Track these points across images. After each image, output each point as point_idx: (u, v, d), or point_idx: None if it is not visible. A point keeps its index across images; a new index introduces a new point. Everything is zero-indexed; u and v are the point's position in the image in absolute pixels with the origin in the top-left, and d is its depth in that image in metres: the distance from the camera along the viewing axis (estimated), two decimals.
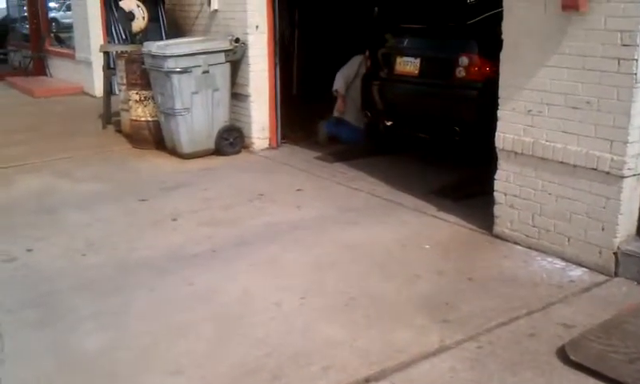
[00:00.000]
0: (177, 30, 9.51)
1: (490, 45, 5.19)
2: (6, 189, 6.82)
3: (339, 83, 8.47)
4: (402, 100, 7.52)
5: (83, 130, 9.58)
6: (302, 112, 8.98)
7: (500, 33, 5.02)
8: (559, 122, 4.70)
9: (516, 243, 5.07)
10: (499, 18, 5.05)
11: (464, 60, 6.61)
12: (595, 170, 4.49)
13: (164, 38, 9.27)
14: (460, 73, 6.65)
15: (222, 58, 7.81)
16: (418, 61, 7.13)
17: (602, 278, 4.47)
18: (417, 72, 7.15)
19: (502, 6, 5.03)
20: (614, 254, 4.46)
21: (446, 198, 6.15)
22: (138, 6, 8.84)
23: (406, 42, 7.44)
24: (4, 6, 19.49)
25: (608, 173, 4.42)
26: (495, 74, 5.16)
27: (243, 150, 8.14)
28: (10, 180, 7.10)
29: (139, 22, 8.85)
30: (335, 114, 8.55)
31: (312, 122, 8.74)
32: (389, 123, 7.66)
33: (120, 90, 8.86)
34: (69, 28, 14.97)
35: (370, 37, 8.12)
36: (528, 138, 4.91)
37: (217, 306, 4.24)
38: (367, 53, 7.95)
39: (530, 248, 4.96)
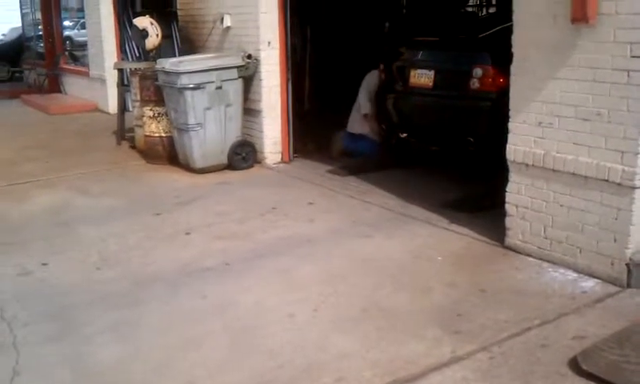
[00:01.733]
0: (190, 46, 9.60)
1: (504, 56, 5.22)
2: (22, 204, 6.90)
3: (366, 107, 8.45)
4: (417, 112, 7.57)
5: (98, 146, 9.68)
6: (314, 126, 9.02)
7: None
8: (570, 134, 4.71)
9: (528, 255, 5.07)
10: (511, 30, 5.08)
11: (478, 71, 6.66)
12: (606, 181, 4.50)
13: (177, 54, 9.35)
14: (474, 84, 6.70)
15: (234, 73, 7.88)
16: (432, 73, 7.19)
17: (614, 288, 4.46)
18: (431, 84, 7.20)
19: (512, 20, 5.07)
20: (627, 264, 4.46)
21: (458, 210, 6.16)
22: (152, 24, 8.94)
23: (420, 55, 7.51)
24: (19, 24, 19.74)
25: (619, 184, 4.42)
26: (509, 85, 5.19)
27: (256, 165, 8.19)
28: (26, 195, 7.19)
29: (153, 40, 8.94)
30: (365, 132, 8.51)
31: (324, 137, 8.78)
32: (403, 135, 7.70)
33: (134, 107, 8.94)
34: (83, 46, 15.14)
35: (381, 51, 8.18)
36: (539, 149, 4.92)
37: (230, 318, 4.27)
38: (382, 66, 8.00)
39: (541, 259, 4.96)
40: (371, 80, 8.47)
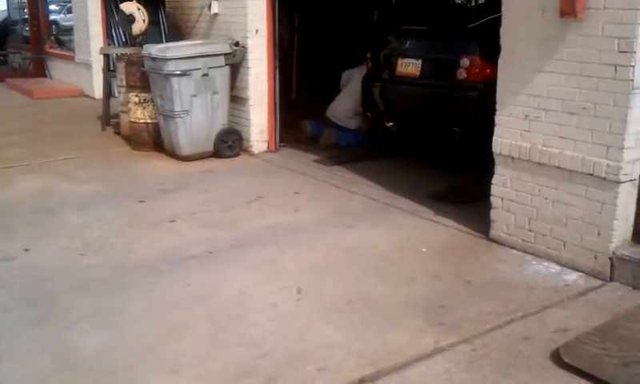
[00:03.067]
0: (177, 33, 9.53)
1: (491, 47, 5.23)
2: (5, 189, 6.83)
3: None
4: (404, 101, 7.57)
5: (82, 132, 9.60)
6: (301, 116, 9.00)
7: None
8: (556, 128, 4.72)
9: (512, 247, 5.09)
10: (500, 21, 5.08)
11: (465, 61, 6.67)
12: (591, 175, 4.52)
13: (164, 40, 9.28)
14: (461, 74, 6.71)
15: (221, 61, 7.84)
16: (419, 62, 7.19)
17: (597, 282, 4.49)
18: (418, 73, 7.20)
19: (500, 11, 5.07)
20: (610, 258, 4.49)
21: (443, 201, 6.17)
22: (139, 9, 8.87)
23: (407, 44, 7.50)
24: (4, 8, 19.53)
25: (604, 178, 4.45)
26: (496, 76, 5.20)
27: (242, 153, 8.17)
28: (9, 180, 7.11)
29: (139, 25, 8.87)
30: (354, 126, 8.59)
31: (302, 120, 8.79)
32: (390, 124, 7.70)
33: (119, 93, 8.87)
34: (69, 30, 15.02)
35: (370, 41, 8.16)
36: (525, 143, 4.94)
37: (214, 306, 4.26)
38: (369, 54, 7.99)
39: (525, 252, 4.99)
40: (355, 79, 8.50)
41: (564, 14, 4.51)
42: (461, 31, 7.30)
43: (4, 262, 4.98)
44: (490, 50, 5.41)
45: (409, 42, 7.52)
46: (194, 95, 7.67)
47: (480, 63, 6.56)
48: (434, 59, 7.20)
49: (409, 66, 7.31)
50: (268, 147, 8.36)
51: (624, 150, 4.33)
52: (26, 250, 5.19)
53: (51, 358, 3.68)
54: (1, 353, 3.70)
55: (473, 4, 13.44)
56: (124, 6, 8.98)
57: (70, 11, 15.47)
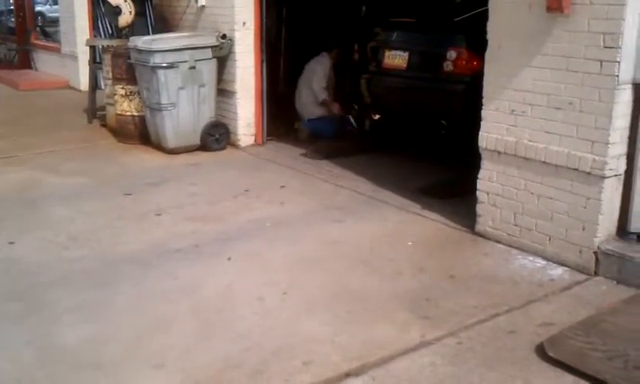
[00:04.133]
0: (164, 25, 9.48)
1: (478, 40, 5.24)
2: None
3: (323, 93, 8.56)
4: (390, 93, 7.57)
5: (68, 124, 9.52)
6: (288, 109, 8.98)
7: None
8: (542, 123, 4.74)
9: (498, 241, 5.11)
10: (487, 15, 5.09)
11: (452, 54, 6.69)
12: (577, 170, 4.54)
13: (151, 33, 9.23)
14: (448, 67, 6.74)
15: (208, 53, 7.81)
16: (406, 54, 7.21)
17: (582, 277, 4.52)
18: (405, 65, 7.22)
19: (487, 5, 5.08)
20: (594, 253, 4.52)
21: (430, 196, 6.18)
22: (125, 1, 8.81)
23: (395, 36, 7.50)
24: None
25: (589, 173, 4.47)
26: (483, 69, 5.20)
27: (229, 146, 8.14)
28: None
29: (126, 17, 8.82)
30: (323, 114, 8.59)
31: (297, 120, 8.77)
32: (376, 117, 7.71)
33: (106, 85, 8.81)
34: (55, 22, 14.90)
35: (357, 35, 8.17)
36: (511, 137, 4.95)
37: (200, 300, 4.25)
38: (356, 46, 8.00)
39: (511, 246, 5.01)
40: (320, 66, 8.57)
41: (550, 9, 4.53)
42: (448, 24, 7.32)
43: None
44: (477, 43, 5.42)
45: (395, 33, 7.53)
46: (180, 88, 7.64)
47: (467, 56, 6.59)
48: (421, 52, 7.22)
49: (396, 59, 7.32)
50: (255, 141, 8.33)
51: (609, 146, 4.36)
52: (11, 243, 5.16)
53: (36, 352, 3.66)
54: None
55: None
56: None
57: (55, 2, 15.36)
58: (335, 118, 8.50)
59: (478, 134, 5.18)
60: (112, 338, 3.81)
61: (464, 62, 6.62)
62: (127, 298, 4.31)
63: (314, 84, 8.59)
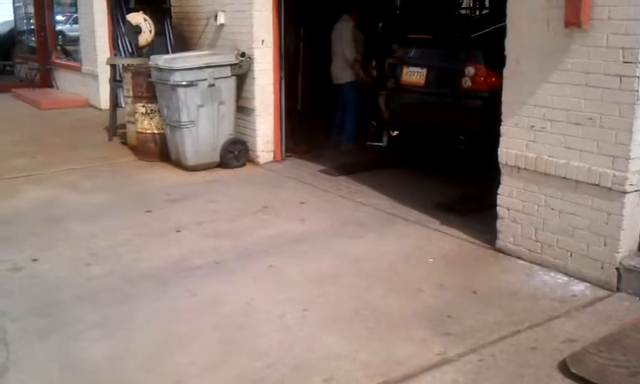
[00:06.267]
0: (183, 43, 9.58)
1: (496, 56, 5.25)
2: (12, 199, 6.87)
3: (352, 53, 8.84)
4: (409, 109, 7.59)
5: (89, 142, 9.63)
6: (307, 126, 9.03)
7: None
8: (562, 138, 4.73)
9: (519, 258, 5.08)
10: (504, 30, 5.10)
11: (470, 70, 6.70)
12: (597, 185, 4.52)
13: (170, 51, 9.34)
14: (466, 82, 6.74)
15: (227, 71, 7.87)
16: (424, 71, 7.23)
17: (603, 292, 4.49)
18: (423, 82, 7.24)
19: (505, 21, 5.08)
20: (616, 269, 4.48)
21: (449, 211, 6.17)
22: (145, 20, 8.91)
23: (412, 53, 7.53)
24: (11, 18, 19.65)
25: (610, 188, 4.45)
26: (500, 85, 5.20)
27: (248, 163, 8.18)
28: (16, 190, 7.15)
29: (146, 36, 8.92)
30: (352, 79, 8.92)
31: (316, 137, 8.81)
32: (394, 133, 7.72)
33: (126, 103, 8.91)
34: (75, 41, 15.09)
35: (373, 52, 8.21)
36: (531, 153, 4.94)
37: (220, 317, 4.27)
38: (374, 63, 8.05)
39: (532, 262, 4.98)
40: (345, 28, 8.86)
41: (569, 25, 4.53)
42: (465, 40, 7.33)
43: (12, 272, 5.00)
44: (495, 59, 5.43)
45: (413, 50, 7.56)
46: (200, 106, 7.70)
47: (485, 72, 6.60)
48: (438, 68, 7.24)
49: (413, 75, 7.34)
50: (274, 157, 8.37)
51: (630, 161, 4.33)
52: (34, 259, 5.21)
53: (59, 368, 3.69)
54: (9, 362, 3.72)
55: (477, 14, 13.50)
56: (130, 17, 9.03)
57: (75, 21, 15.55)
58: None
59: (496, 150, 5.18)
60: (133, 354, 3.83)
61: (482, 78, 6.63)
62: (148, 314, 4.34)
63: (345, 47, 8.84)
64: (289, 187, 7.30)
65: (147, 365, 3.72)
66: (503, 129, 5.13)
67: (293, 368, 3.63)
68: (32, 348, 3.89)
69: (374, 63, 8.24)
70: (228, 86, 7.91)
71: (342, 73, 8.91)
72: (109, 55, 11.70)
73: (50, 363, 3.74)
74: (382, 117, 7.90)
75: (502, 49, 5.08)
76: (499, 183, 5.22)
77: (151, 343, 3.95)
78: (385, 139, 7.91)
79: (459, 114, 6.89)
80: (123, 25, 9.54)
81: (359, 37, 8.94)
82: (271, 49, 8.17)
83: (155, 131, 8.29)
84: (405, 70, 7.45)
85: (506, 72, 5.08)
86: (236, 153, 8.08)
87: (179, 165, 7.97)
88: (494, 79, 6.23)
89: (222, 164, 8.00)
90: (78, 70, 13.94)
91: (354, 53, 8.81)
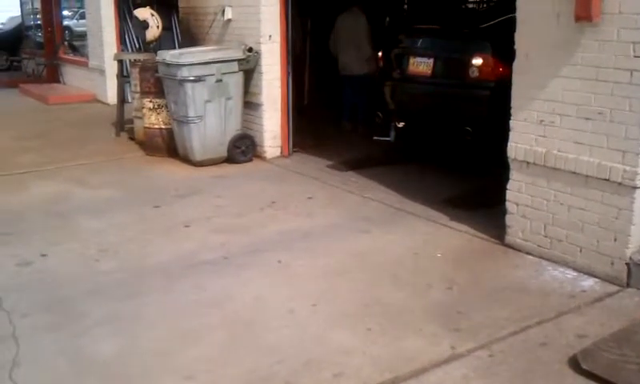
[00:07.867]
0: (190, 38, 9.58)
1: (504, 47, 5.24)
2: (21, 194, 6.88)
3: (368, 50, 9.05)
4: (415, 100, 7.57)
5: (96, 137, 9.64)
6: (314, 121, 9.02)
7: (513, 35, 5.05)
8: (571, 133, 4.71)
9: (528, 253, 5.07)
10: (512, 21, 5.08)
11: (478, 60, 6.68)
12: (607, 180, 4.50)
13: (177, 46, 9.33)
14: (473, 73, 6.73)
15: (235, 66, 7.87)
16: (431, 61, 7.22)
17: (613, 288, 4.47)
18: (430, 72, 7.23)
19: (513, 11, 5.06)
20: (626, 264, 4.46)
21: (458, 207, 6.16)
22: (152, 15, 8.92)
23: (419, 43, 7.51)
24: (18, 13, 19.68)
25: (620, 183, 4.42)
26: (508, 76, 5.18)
27: (255, 158, 8.18)
28: (25, 186, 7.16)
29: (153, 31, 8.92)
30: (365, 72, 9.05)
31: (324, 131, 8.81)
32: (401, 124, 7.69)
33: (133, 98, 8.91)
34: (82, 36, 15.10)
35: (381, 44, 8.20)
36: (540, 148, 4.92)
37: (229, 312, 4.27)
38: (380, 54, 8.04)
39: (541, 258, 4.96)
40: (359, 22, 9.04)
41: (579, 19, 4.50)
42: (473, 30, 7.31)
43: (22, 267, 5.01)
44: (502, 50, 5.42)
45: (420, 40, 7.54)
46: (207, 101, 7.70)
47: (492, 62, 6.58)
48: (446, 58, 7.21)
49: (420, 65, 7.32)
50: (281, 152, 8.37)
51: None
52: (43, 255, 5.22)
53: (68, 363, 3.70)
54: (20, 357, 3.72)
55: (484, 6, 13.47)
56: (138, 12, 9.04)
57: (82, 17, 15.57)
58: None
59: (503, 141, 5.16)
60: (142, 349, 3.84)
61: (490, 69, 6.61)
62: (157, 309, 4.34)
63: (362, 42, 9.02)
64: (296, 182, 7.30)
65: (157, 360, 3.72)
66: (512, 123, 5.11)
67: (303, 363, 3.63)
68: (42, 343, 3.90)
69: (379, 54, 8.23)
70: (235, 82, 7.91)
71: (356, 65, 8.90)
72: (116, 50, 11.70)
73: (60, 358, 3.75)
74: (388, 107, 7.87)
75: (510, 40, 5.05)
76: (508, 178, 5.20)
77: (160, 338, 3.96)
78: (392, 134, 7.87)
79: (466, 104, 6.88)
80: (130, 20, 9.55)
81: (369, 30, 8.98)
82: (278, 44, 8.16)
83: (162, 126, 8.28)
84: (412, 60, 7.43)
85: (515, 66, 5.06)
86: (243, 148, 8.08)
87: (186, 160, 7.97)
88: (501, 69, 6.21)
89: (230, 159, 7.99)
90: (85, 65, 13.96)
91: (371, 48, 8.84)
